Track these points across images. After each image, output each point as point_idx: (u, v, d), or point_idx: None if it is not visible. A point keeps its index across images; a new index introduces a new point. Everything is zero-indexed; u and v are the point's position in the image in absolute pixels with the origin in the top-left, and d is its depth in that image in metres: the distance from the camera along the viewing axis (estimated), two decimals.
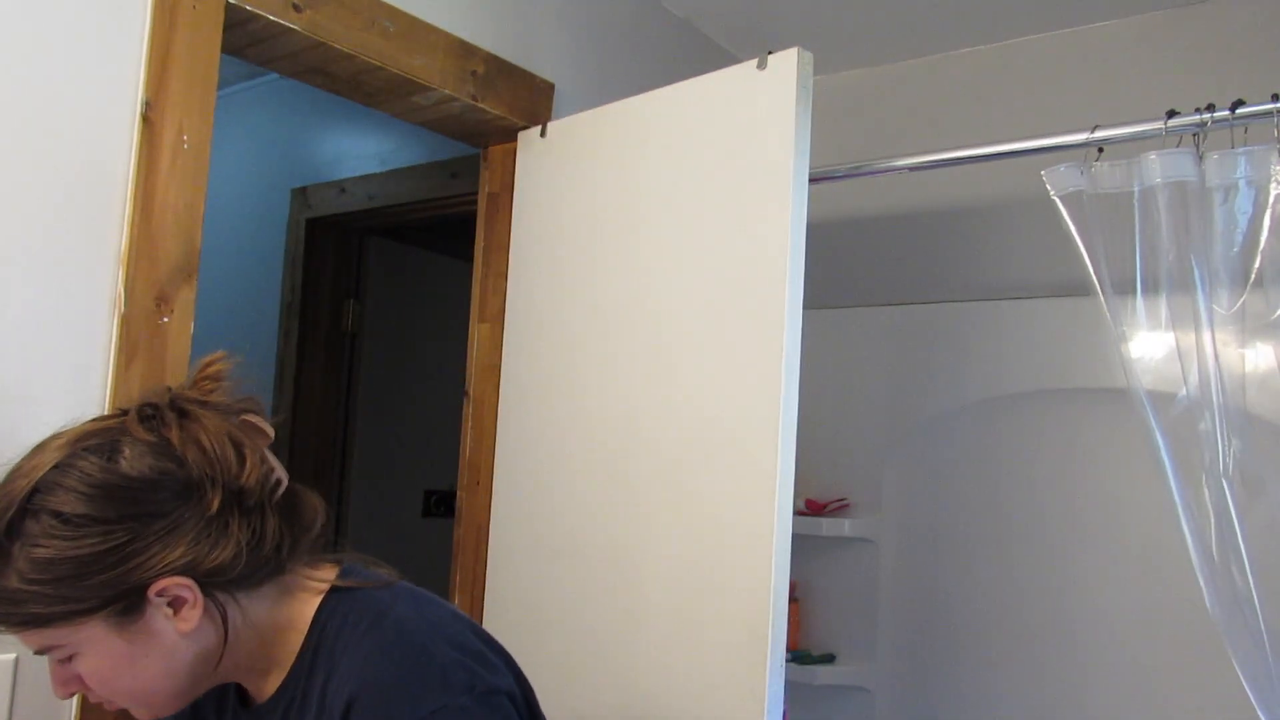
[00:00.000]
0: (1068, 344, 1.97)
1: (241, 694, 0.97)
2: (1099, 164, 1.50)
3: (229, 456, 0.85)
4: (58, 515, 0.79)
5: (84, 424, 0.86)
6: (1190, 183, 1.40)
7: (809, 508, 2.21)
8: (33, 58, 1.18)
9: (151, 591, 0.82)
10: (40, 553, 0.79)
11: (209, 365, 0.92)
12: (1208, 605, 1.34)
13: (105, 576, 0.80)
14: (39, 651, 0.85)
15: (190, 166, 1.30)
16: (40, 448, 0.84)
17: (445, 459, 2.40)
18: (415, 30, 1.59)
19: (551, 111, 1.84)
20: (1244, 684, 1.31)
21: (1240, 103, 1.38)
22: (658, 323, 1.49)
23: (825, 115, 1.99)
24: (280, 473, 0.92)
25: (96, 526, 0.80)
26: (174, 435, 0.84)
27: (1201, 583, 1.34)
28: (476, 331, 1.83)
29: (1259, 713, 1.31)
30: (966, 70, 2.29)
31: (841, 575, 2.22)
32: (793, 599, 2.16)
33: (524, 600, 1.64)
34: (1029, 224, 2.11)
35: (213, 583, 0.84)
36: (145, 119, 1.25)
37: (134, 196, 1.24)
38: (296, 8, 1.42)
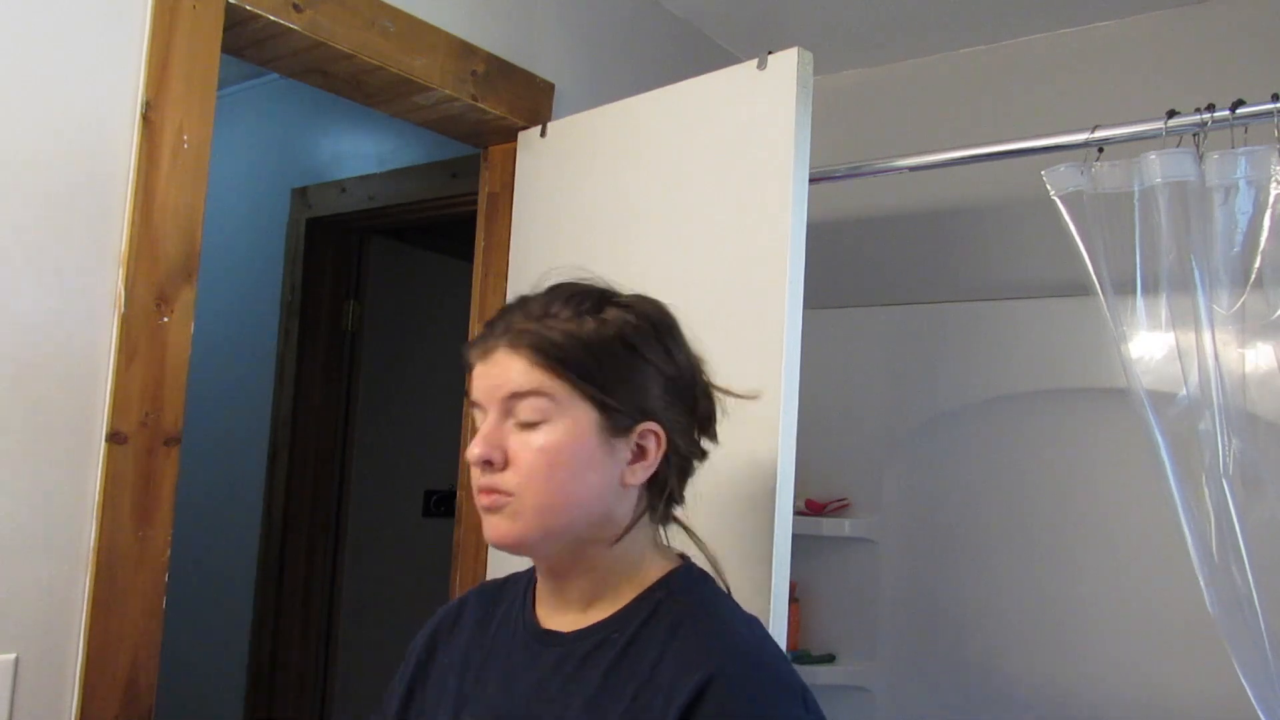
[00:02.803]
0: (1068, 344, 1.97)
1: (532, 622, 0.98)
2: (1099, 164, 1.50)
3: (701, 379, 1.00)
4: (634, 324, 0.93)
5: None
6: (1190, 183, 1.40)
7: (809, 508, 2.21)
8: (33, 58, 1.18)
9: (639, 427, 0.91)
10: (611, 330, 0.91)
11: None
12: (1208, 605, 1.34)
13: (627, 381, 0.91)
14: (518, 396, 0.88)
15: (190, 166, 1.30)
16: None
17: (445, 459, 2.40)
18: (415, 30, 1.59)
19: (552, 111, 1.84)
20: (1244, 684, 1.31)
21: (1240, 103, 1.38)
22: None
23: (825, 115, 1.99)
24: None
25: (652, 346, 0.94)
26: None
27: (1201, 583, 1.34)
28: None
29: (1259, 713, 1.31)
30: (966, 70, 2.29)
31: (841, 575, 2.22)
32: (793, 599, 2.16)
33: None
34: (1029, 224, 2.11)
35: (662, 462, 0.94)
36: (145, 119, 1.25)
37: (134, 196, 1.24)
38: (296, 8, 1.42)
